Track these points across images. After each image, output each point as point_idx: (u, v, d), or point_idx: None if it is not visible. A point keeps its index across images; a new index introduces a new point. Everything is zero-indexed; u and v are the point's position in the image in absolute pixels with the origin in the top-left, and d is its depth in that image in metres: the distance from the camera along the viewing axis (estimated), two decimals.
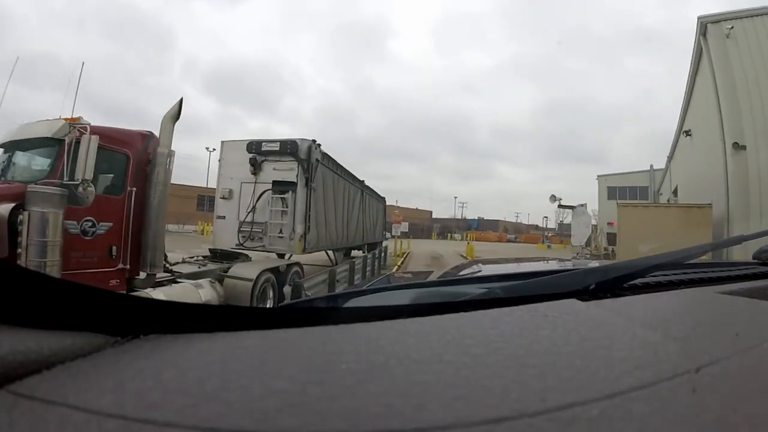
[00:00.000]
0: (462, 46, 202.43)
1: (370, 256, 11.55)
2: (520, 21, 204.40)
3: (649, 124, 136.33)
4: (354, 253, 13.82)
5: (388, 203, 18.81)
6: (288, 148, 7.52)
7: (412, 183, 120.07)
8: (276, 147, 7.63)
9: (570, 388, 0.32)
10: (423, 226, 56.89)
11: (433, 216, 66.39)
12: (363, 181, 12.95)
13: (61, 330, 0.36)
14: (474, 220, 73.66)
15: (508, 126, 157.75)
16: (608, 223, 32.95)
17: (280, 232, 7.43)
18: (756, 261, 1.02)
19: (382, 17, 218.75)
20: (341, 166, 10.20)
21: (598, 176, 34.71)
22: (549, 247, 39.10)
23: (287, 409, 0.28)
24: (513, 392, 0.31)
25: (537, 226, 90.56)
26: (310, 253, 8.04)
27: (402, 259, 16.90)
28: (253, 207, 7.55)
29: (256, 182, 7.77)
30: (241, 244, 7.49)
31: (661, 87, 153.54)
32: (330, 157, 9.08)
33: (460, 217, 73.36)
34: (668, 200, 21.36)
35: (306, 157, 7.54)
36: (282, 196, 7.46)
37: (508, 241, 57.48)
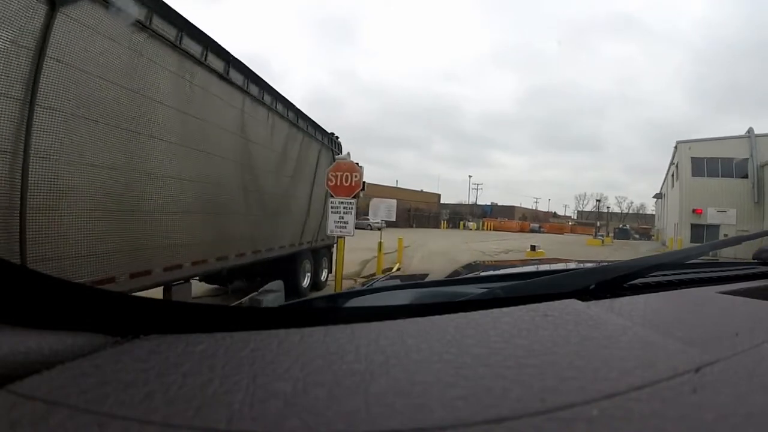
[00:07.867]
0: (452, 33, 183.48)
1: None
2: (514, 4, 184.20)
3: (654, 111, 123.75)
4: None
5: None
6: None
7: (415, 167, 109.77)
8: None
9: (570, 388, 0.32)
10: (429, 212, 46.91)
11: (441, 201, 55.95)
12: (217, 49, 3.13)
13: (61, 330, 0.37)
14: (487, 205, 63.52)
15: (508, 114, 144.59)
16: (693, 211, 22.38)
17: None
18: (756, 261, 1.03)
19: (368, 5, 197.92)
20: None
21: (677, 143, 24.07)
22: (603, 242, 28.74)
23: (288, 409, 0.29)
24: (513, 392, 0.32)
25: (555, 213, 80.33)
26: None
27: None
28: None
29: None
30: None
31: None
32: None
33: (472, 202, 62.82)
34: None
35: None
36: None
37: (532, 230, 47.60)
